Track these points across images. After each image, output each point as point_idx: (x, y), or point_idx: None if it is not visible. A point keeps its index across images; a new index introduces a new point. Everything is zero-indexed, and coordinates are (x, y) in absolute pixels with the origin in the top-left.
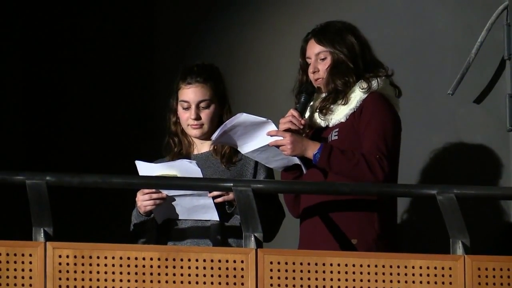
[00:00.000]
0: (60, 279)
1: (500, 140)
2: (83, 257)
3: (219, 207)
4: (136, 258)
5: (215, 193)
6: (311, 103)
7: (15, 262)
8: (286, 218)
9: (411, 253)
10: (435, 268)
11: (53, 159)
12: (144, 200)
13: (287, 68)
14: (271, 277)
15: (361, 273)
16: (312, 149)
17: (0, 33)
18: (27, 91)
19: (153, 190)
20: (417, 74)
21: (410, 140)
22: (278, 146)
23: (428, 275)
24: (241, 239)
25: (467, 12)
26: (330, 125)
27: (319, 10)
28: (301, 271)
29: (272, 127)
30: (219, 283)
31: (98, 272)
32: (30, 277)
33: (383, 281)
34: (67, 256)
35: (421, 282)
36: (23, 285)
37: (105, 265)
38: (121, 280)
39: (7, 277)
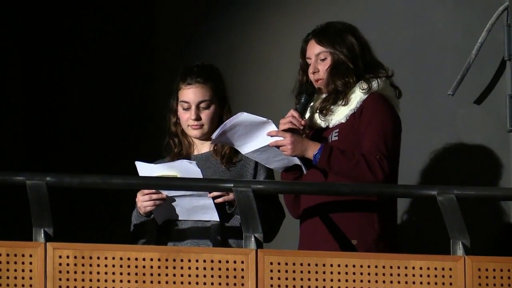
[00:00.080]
0: (60, 279)
1: (500, 140)
2: (83, 257)
3: (219, 207)
4: (136, 259)
5: (215, 193)
6: (311, 103)
7: (15, 263)
8: (286, 219)
9: (411, 254)
10: (435, 268)
11: (53, 160)
12: (144, 201)
13: (287, 69)
14: (271, 278)
15: (361, 273)
16: (312, 150)
17: (0, 33)
18: (27, 91)
19: (153, 190)
20: (417, 75)
21: (410, 141)
22: (278, 147)
23: (428, 275)
24: (241, 239)
25: (467, 12)
26: (330, 125)
27: (319, 10)
28: (301, 271)
29: (272, 127)
30: (219, 284)
31: (98, 273)
32: (30, 278)
33: (383, 281)
34: (67, 257)
35: (421, 283)
36: (23, 285)
37: (105, 265)
38: (121, 281)
39: (7, 277)
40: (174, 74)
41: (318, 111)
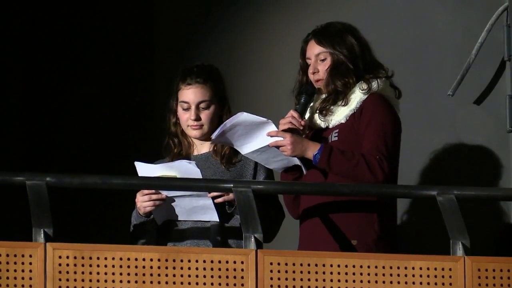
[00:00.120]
0: (60, 280)
1: (500, 141)
2: (83, 258)
3: (218, 207)
4: (136, 259)
5: (215, 193)
6: (311, 104)
7: (15, 263)
8: (285, 219)
9: (411, 254)
10: (435, 269)
11: (53, 160)
12: (143, 201)
13: (287, 69)
14: (271, 278)
15: (361, 274)
16: (312, 150)
17: (0, 33)
18: (27, 91)
19: (153, 191)
20: (417, 75)
21: (410, 141)
22: (278, 147)
23: (428, 276)
24: (241, 240)
25: (467, 12)
26: (330, 126)
27: (319, 10)
28: (301, 272)
29: (272, 127)
30: (219, 284)
31: (98, 273)
32: (30, 278)
33: (383, 282)
34: (67, 257)
35: (421, 283)
36: (23, 285)
37: (105, 266)
38: (121, 281)
39: (7, 278)
40: (174, 74)
41: (318, 111)
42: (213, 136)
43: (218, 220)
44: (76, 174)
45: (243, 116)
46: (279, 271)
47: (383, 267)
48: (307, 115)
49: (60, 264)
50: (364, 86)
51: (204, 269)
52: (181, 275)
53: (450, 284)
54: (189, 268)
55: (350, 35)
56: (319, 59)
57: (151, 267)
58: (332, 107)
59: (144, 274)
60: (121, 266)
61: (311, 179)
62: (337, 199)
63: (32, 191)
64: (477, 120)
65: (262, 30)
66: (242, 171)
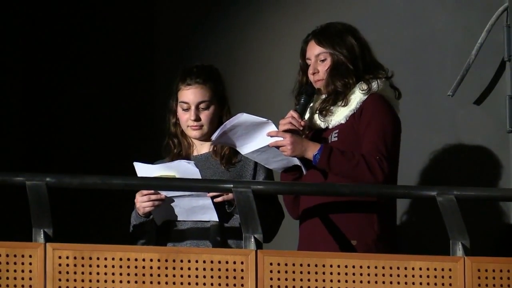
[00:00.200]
0: (60, 280)
1: (500, 141)
2: (83, 258)
3: (218, 207)
4: (136, 259)
5: (214, 193)
6: (311, 104)
7: (15, 263)
8: (285, 219)
9: (411, 255)
10: (435, 269)
11: (53, 160)
12: (143, 202)
13: (287, 69)
14: (271, 278)
15: (361, 274)
16: (312, 150)
17: (0, 33)
18: (27, 91)
19: (152, 191)
20: (417, 75)
21: (410, 141)
22: (278, 147)
23: (428, 276)
24: (241, 240)
25: (467, 13)
26: (330, 126)
27: (319, 11)
28: (301, 272)
29: (272, 127)
30: (219, 284)
31: (98, 273)
32: (30, 278)
33: (383, 282)
34: (67, 257)
35: (420, 284)
36: (22, 286)
37: (105, 266)
38: (121, 281)
39: (7, 278)
40: (174, 74)
41: (317, 111)
42: (213, 137)
43: (217, 220)
44: (76, 174)
45: (243, 117)
46: (279, 272)
47: (383, 267)
48: (307, 116)
49: (60, 265)
50: (364, 86)
51: (204, 269)
52: (181, 276)
53: (450, 284)
54: (189, 269)
55: (350, 35)
56: (319, 60)
57: (151, 268)
58: (332, 108)
59: (144, 275)
60: (121, 267)
61: (311, 179)
62: (337, 199)
63: (32, 191)
64: (477, 120)
65: (262, 30)
66: (242, 172)
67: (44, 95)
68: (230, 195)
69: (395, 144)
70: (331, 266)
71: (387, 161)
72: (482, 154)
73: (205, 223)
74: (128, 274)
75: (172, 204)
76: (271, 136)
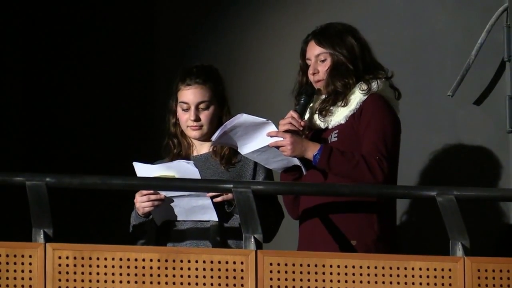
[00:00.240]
0: (60, 280)
1: (499, 141)
2: (82, 258)
3: (218, 207)
4: (136, 260)
5: (214, 193)
6: (311, 104)
7: (15, 263)
8: (285, 220)
9: (411, 255)
10: (435, 269)
11: (53, 160)
12: (142, 202)
13: (287, 70)
14: (271, 279)
15: (360, 274)
16: (312, 150)
17: (0, 33)
18: (27, 91)
19: (151, 191)
20: (417, 76)
21: (410, 142)
22: (278, 147)
23: (427, 276)
24: (241, 240)
25: (467, 13)
26: (330, 126)
27: (319, 11)
28: (301, 272)
29: (272, 127)
30: (219, 285)
31: (98, 274)
32: (30, 278)
33: (383, 282)
34: (67, 257)
35: (420, 284)
36: (22, 286)
37: (105, 266)
38: (121, 282)
39: (7, 278)
40: (174, 74)
41: (317, 112)
42: (213, 137)
43: (217, 219)
44: (75, 175)
45: (243, 118)
46: (279, 272)
47: (383, 268)
48: (306, 116)
49: (60, 265)
50: (364, 86)
51: (204, 269)
52: (181, 276)
53: (450, 284)
54: (189, 269)
55: (350, 35)
56: (319, 60)
57: (151, 268)
58: (331, 108)
59: (144, 275)
60: (121, 267)
61: (310, 179)
62: (336, 199)
63: (32, 191)
64: (477, 121)
65: (262, 30)
66: (242, 172)
67: (44, 95)
68: (230, 195)
69: (395, 144)
70: (331, 266)
71: (387, 161)
72: (482, 154)
73: (205, 223)
74: (128, 274)
75: (171, 204)
76: (271, 136)
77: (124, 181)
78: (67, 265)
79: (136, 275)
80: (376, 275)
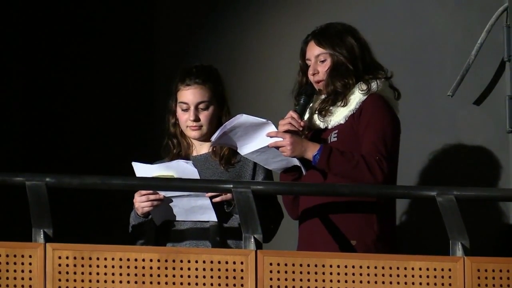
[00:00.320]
0: (59, 280)
1: (499, 141)
2: (82, 258)
3: (217, 208)
4: (135, 260)
5: (213, 193)
6: (311, 104)
7: (14, 264)
8: (285, 220)
9: (411, 255)
10: (435, 269)
11: (53, 160)
12: (141, 202)
13: (287, 70)
14: (271, 279)
15: (360, 274)
16: (311, 150)
17: (0, 33)
18: (27, 91)
19: (151, 191)
20: (417, 76)
21: (410, 142)
22: (277, 147)
23: (427, 276)
24: (240, 240)
25: (467, 13)
26: (329, 126)
27: (319, 11)
28: (301, 272)
29: (272, 128)
30: (219, 285)
31: (97, 274)
32: (30, 278)
33: (383, 282)
34: (67, 258)
35: (420, 284)
36: (22, 286)
37: (105, 266)
38: (120, 282)
39: (7, 278)
40: (174, 74)
41: (317, 112)
42: (213, 138)
43: (216, 220)
44: (75, 175)
45: (243, 118)
46: (278, 272)
47: (383, 268)
48: (306, 116)
49: (60, 265)
50: (364, 87)
51: (204, 269)
52: (181, 276)
53: (450, 284)
54: (189, 269)
55: (350, 36)
56: (319, 60)
57: (151, 268)
58: (331, 108)
59: (144, 275)
60: (121, 267)
61: (310, 179)
62: (336, 199)
63: (32, 191)
64: (477, 121)
65: (262, 30)
66: (241, 172)
67: (44, 95)
68: (229, 195)
69: (395, 144)
70: (330, 266)
71: (387, 161)
72: (482, 154)
73: (205, 223)
74: (128, 274)
75: (171, 204)
76: (271, 137)
77: (124, 181)
78: (67, 265)
79: (136, 275)
80: (376, 275)
